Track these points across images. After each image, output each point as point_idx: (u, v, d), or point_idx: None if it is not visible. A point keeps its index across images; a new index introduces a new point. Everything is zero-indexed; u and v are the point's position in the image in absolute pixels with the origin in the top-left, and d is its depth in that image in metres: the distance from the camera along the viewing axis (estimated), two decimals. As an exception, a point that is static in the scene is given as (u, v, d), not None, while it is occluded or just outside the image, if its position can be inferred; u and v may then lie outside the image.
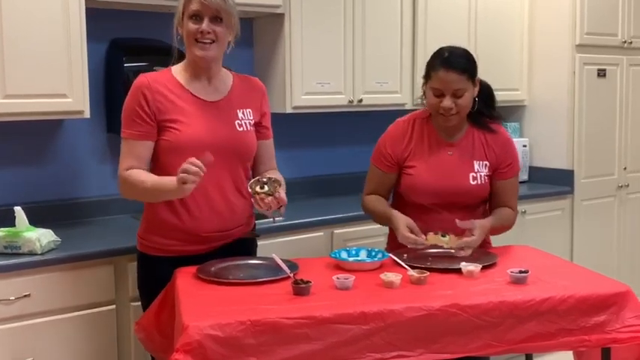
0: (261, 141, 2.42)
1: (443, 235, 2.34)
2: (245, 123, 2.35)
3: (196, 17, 2.21)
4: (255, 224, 2.51)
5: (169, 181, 2.11)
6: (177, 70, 2.33)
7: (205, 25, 2.21)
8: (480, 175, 2.50)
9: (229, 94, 2.36)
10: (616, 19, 4.25)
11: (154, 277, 2.29)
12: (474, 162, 2.50)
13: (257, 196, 2.16)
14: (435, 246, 2.33)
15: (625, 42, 4.30)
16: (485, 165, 2.51)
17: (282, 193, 2.18)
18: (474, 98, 2.48)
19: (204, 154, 2.05)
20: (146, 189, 2.19)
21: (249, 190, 2.18)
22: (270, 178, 2.20)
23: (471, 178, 2.48)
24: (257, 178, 2.22)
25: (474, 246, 2.35)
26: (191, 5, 2.21)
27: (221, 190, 2.28)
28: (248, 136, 2.35)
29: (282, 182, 2.30)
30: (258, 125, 2.41)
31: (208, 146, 2.20)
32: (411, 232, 2.36)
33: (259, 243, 2.69)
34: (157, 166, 2.29)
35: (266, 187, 2.16)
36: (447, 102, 2.39)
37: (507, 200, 2.56)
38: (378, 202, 2.58)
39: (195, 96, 2.29)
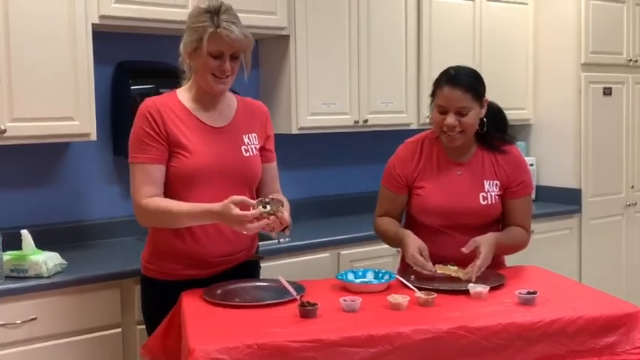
0: (265, 164, 2.42)
1: (452, 265, 2.33)
2: (251, 148, 2.35)
3: (218, 54, 2.19)
4: (258, 246, 2.51)
5: (204, 210, 2.12)
6: (183, 94, 2.32)
7: (227, 63, 2.20)
8: (491, 195, 2.47)
9: (234, 119, 2.35)
10: (621, 37, 4.27)
11: (159, 301, 2.28)
12: (484, 181, 2.48)
13: (260, 216, 2.15)
14: (444, 273, 2.29)
15: (630, 60, 4.32)
16: (496, 185, 2.49)
17: (285, 213, 2.16)
18: (482, 119, 2.45)
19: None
20: (174, 217, 2.17)
21: (252, 210, 2.16)
22: (272, 199, 2.20)
23: (481, 198, 2.46)
24: (260, 199, 2.22)
25: (484, 265, 2.32)
26: (214, 44, 2.16)
27: None
28: (254, 161, 2.36)
29: (286, 204, 2.30)
30: (262, 149, 2.41)
31: (216, 173, 2.21)
32: (421, 254, 2.34)
33: (266, 264, 2.69)
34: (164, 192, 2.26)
35: (268, 207, 2.14)
36: (450, 119, 2.37)
37: (519, 220, 2.52)
38: (390, 223, 2.56)
39: (201, 122, 2.28)
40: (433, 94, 2.46)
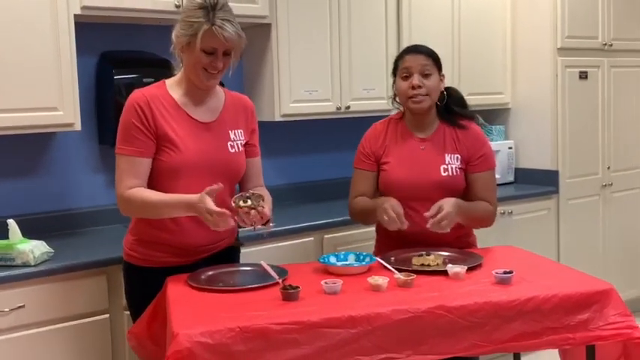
0: (249, 159, 2.41)
1: (427, 254, 2.34)
2: (237, 144, 2.33)
3: (211, 51, 2.17)
4: (238, 232, 2.50)
5: (183, 201, 2.12)
6: (172, 86, 2.28)
7: (219, 59, 2.18)
8: (452, 167, 2.51)
9: (222, 114, 2.33)
10: (596, 22, 4.27)
11: (142, 287, 2.28)
12: (446, 155, 2.53)
13: (240, 211, 2.13)
14: (422, 265, 2.30)
15: (605, 44, 4.32)
16: (457, 158, 2.53)
17: (265, 207, 2.15)
18: (442, 92, 2.54)
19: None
20: (156, 208, 2.17)
21: (233, 204, 2.14)
22: (253, 193, 2.20)
23: (442, 170, 2.50)
24: (241, 193, 2.21)
25: (446, 218, 2.34)
26: (208, 41, 2.14)
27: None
28: (239, 157, 2.34)
29: (268, 197, 2.31)
30: (246, 144, 2.40)
31: (201, 169, 2.21)
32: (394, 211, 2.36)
33: (253, 249, 2.70)
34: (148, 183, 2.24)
35: (249, 202, 2.14)
36: (416, 80, 2.46)
37: (483, 193, 2.54)
38: (363, 201, 2.59)
39: (190, 117, 2.25)
40: (395, 69, 2.56)
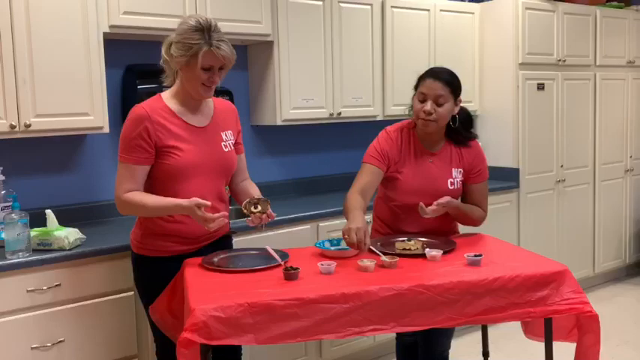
0: (238, 155, 2.39)
1: (409, 240, 2.34)
2: (229, 143, 2.32)
3: (209, 68, 2.14)
4: (229, 222, 2.47)
5: (175, 204, 2.11)
6: (168, 98, 2.23)
7: (216, 74, 2.16)
8: (456, 181, 2.48)
9: (213, 118, 2.30)
10: (552, 41, 4.28)
11: (150, 275, 2.25)
12: (452, 169, 2.47)
13: (253, 216, 2.15)
14: (404, 249, 2.29)
15: (560, 60, 4.33)
16: (460, 172, 2.49)
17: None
18: (454, 116, 2.43)
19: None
20: (147, 210, 2.16)
21: (244, 210, 2.16)
22: (260, 199, 2.20)
23: (449, 183, 2.46)
24: (248, 200, 2.21)
25: (443, 204, 2.34)
26: (207, 60, 2.11)
27: (211, 200, 2.23)
28: (232, 155, 2.33)
29: (255, 190, 2.35)
30: (235, 143, 2.38)
31: (203, 168, 2.20)
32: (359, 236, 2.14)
33: (257, 236, 2.70)
34: (152, 184, 2.21)
35: (259, 207, 2.17)
36: (428, 106, 2.35)
37: (477, 200, 2.53)
38: (356, 201, 2.34)
39: (187, 123, 2.22)
40: (416, 87, 2.44)
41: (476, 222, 2.55)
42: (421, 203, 2.34)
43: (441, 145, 2.50)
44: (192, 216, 2.11)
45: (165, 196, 2.17)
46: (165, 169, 2.18)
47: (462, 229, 2.67)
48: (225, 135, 2.32)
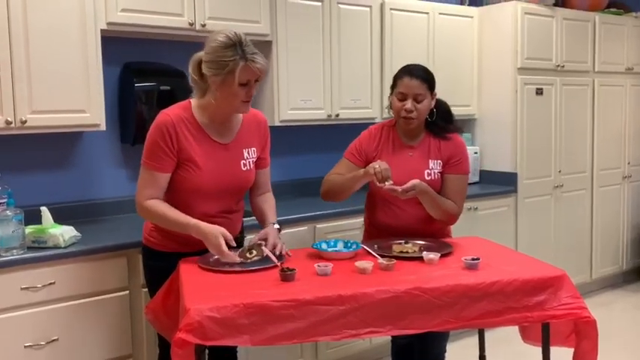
0: (260, 170, 2.37)
1: (406, 243, 2.33)
2: (249, 162, 2.29)
3: (246, 83, 2.10)
4: (242, 222, 2.45)
5: (197, 229, 2.09)
6: (196, 108, 2.18)
7: (253, 87, 2.12)
8: (434, 172, 2.49)
9: (238, 134, 2.26)
10: (551, 46, 4.28)
11: (159, 267, 2.24)
12: (430, 161, 2.50)
13: (250, 261, 2.13)
14: (401, 252, 2.28)
15: (558, 66, 4.33)
16: (439, 163, 2.51)
17: (266, 251, 2.15)
18: (432, 109, 2.49)
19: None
20: (168, 223, 2.14)
21: (240, 260, 2.13)
22: (254, 244, 2.19)
23: (426, 174, 2.48)
24: (245, 246, 2.19)
25: (412, 189, 2.33)
26: (245, 75, 2.06)
27: (222, 212, 2.24)
28: (249, 174, 2.30)
29: (271, 203, 2.36)
30: (258, 158, 2.35)
31: (216, 187, 2.18)
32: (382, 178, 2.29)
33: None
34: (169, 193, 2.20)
35: (254, 252, 2.16)
36: (409, 104, 2.42)
37: (452, 195, 2.49)
38: (340, 175, 2.53)
39: (211, 139, 2.19)
40: (393, 86, 2.50)
41: (447, 214, 2.47)
42: (390, 182, 2.31)
43: (420, 138, 2.54)
44: (207, 241, 2.08)
45: (176, 205, 2.16)
46: (180, 180, 2.17)
47: (456, 232, 2.66)
48: (248, 152, 2.28)
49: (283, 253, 2.19)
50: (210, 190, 2.18)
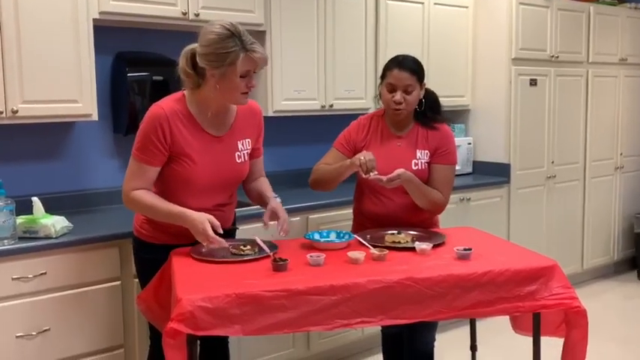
0: (254, 160, 2.36)
1: (399, 233, 2.33)
2: (243, 154, 2.27)
3: (246, 74, 2.08)
4: (235, 218, 2.45)
5: (184, 218, 2.07)
6: (192, 103, 2.15)
7: (253, 78, 2.10)
8: (421, 162, 2.49)
9: (233, 126, 2.24)
10: (545, 37, 4.27)
11: (150, 259, 2.23)
12: (417, 150, 2.50)
13: (244, 253, 2.13)
14: (394, 242, 2.28)
15: (552, 56, 4.33)
16: (427, 153, 2.50)
17: (260, 241, 2.17)
18: (421, 100, 2.50)
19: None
20: (156, 214, 2.12)
21: (234, 256, 2.12)
22: (247, 240, 2.21)
23: (413, 164, 2.48)
24: (234, 244, 2.18)
25: (397, 178, 2.33)
26: (246, 65, 2.04)
27: (217, 205, 2.23)
28: (244, 166, 2.29)
29: (267, 186, 2.37)
30: (252, 148, 2.33)
31: (210, 180, 2.17)
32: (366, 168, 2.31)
33: (248, 227, 2.68)
34: (156, 184, 2.17)
35: (248, 246, 2.17)
36: (398, 96, 2.42)
37: (438, 184, 2.48)
38: (328, 165, 2.54)
39: (205, 132, 2.17)
40: (383, 77, 2.50)
41: (433, 204, 2.47)
42: (375, 172, 2.32)
43: (408, 128, 2.54)
44: (193, 228, 2.06)
45: (169, 198, 2.14)
46: (173, 174, 2.15)
47: (448, 222, 2.66)
48: (242, 144, 2.26)
49: (285, 227, 2.22)
50: (204, 184, 2.17)
